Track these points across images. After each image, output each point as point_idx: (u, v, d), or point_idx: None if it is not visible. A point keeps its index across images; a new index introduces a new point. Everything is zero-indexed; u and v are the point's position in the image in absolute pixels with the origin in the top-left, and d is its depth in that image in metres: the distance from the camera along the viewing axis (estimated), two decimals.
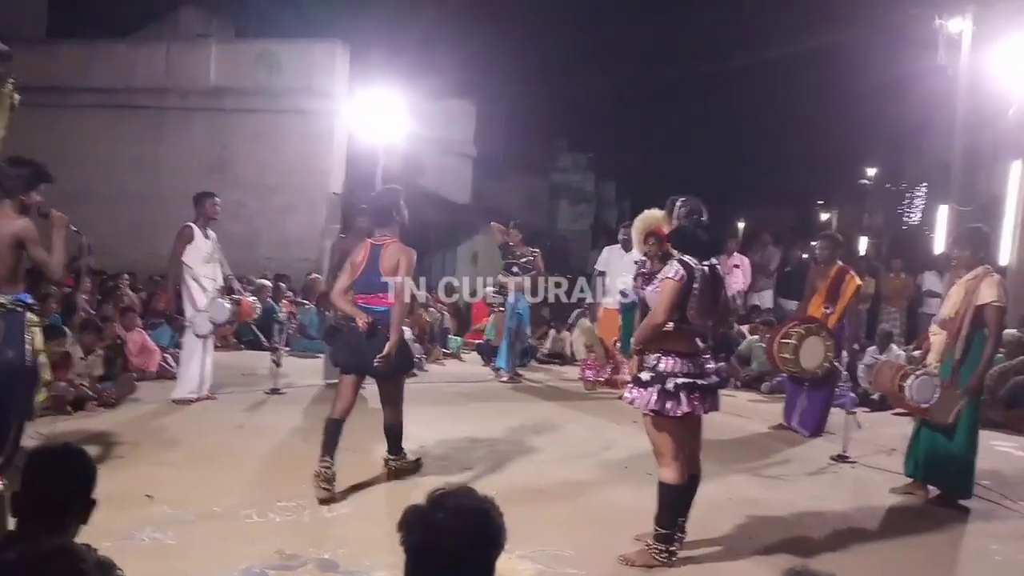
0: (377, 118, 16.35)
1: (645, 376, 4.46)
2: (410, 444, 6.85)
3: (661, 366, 4.41)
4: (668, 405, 4.35)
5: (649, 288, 4.66)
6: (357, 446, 6.74)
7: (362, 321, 5.53)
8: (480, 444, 7.04)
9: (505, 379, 10.19)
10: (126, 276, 13.23)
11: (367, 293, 5.71)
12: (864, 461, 7.00)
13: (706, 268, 4.45)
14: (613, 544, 4.74)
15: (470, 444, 7.01)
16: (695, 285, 4.37)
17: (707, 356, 4.57)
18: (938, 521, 5.61)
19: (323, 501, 5.29)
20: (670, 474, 4.47)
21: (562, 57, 32.21)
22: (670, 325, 4.40)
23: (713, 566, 4.59)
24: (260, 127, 17.24)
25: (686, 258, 4.42)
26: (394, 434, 5.94)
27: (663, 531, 4.46)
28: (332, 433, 5.56)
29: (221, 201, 8.36)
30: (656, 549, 4.47)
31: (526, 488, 5.83)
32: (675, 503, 4.50)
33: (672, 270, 4.39)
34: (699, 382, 4.41)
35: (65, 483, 2.51)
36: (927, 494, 6.04)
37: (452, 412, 8.38)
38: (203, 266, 8.03)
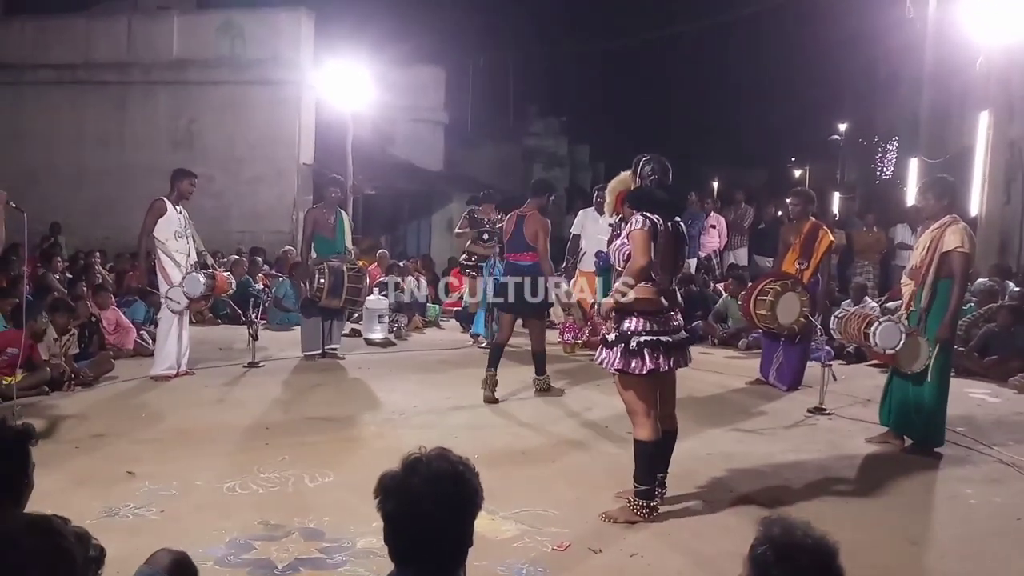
0: (345, 87, 16.18)
1: (611, 336, 4.55)
2: (392, 413, 6.90)
3: (625, 325, 4.48)
4: (633, 363, 4.43)
5: (615, 244, 4.70)
6: (337, 416, 6.77)
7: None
8: (461, 409, 7.07)
9: (484, 345, 10.21)
10: (97, 254, 13.10)
11: (515, 252, 7.51)
12: (840, 412, 7.09)
13: (669, 225, 4.53)
14: (596, 502, 4.79)
15: (451, 410, 7.04)
16: (658, 239, 4.45)
17: (674, 313, 4.60)
18: (913, 468, 5.70)
19: (487, 400, 7.20)
20: (643, 431, 4.54)
21: (531, 21, 31.99)
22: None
23: (693, 519, 4.65)
24: (226, 99, 17.04)
25: (647, 213, 4.49)
26: (540, 359, 7.62)
27: (642, 487, 4.53)
28: (495, 353, 7.45)
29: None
30: (637, 505, 4.53)
31: (508, 450, 5.87)
32: (650, 459, 4.56)
33: (637, 222, 4.47)
34: (663, 339, 4.47)
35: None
36: (902, 443, 6.13)
37: (432, 379, 8.40)
38: (175, 241, 7.96)
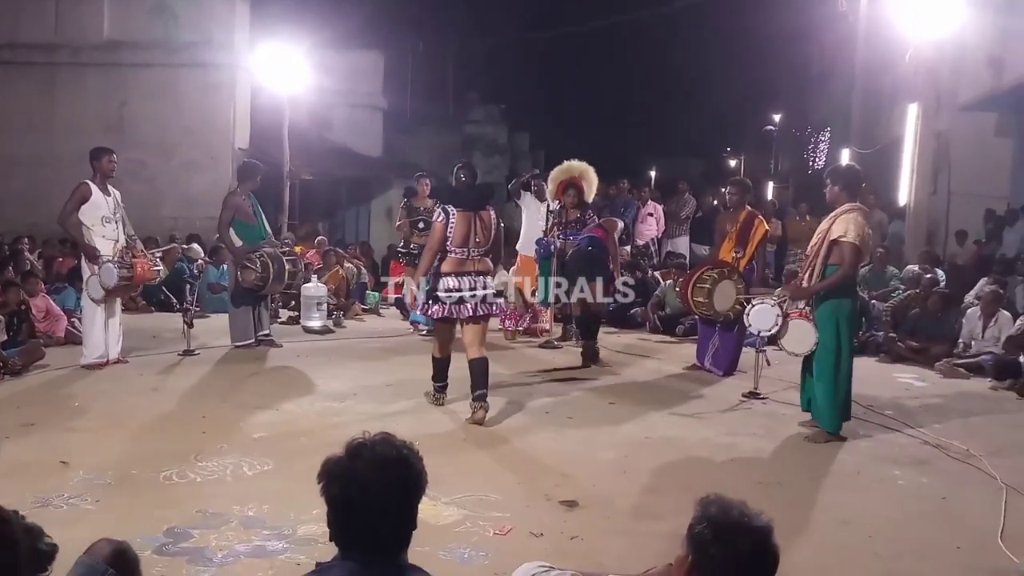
0: (281, 71, 15.94)
1: (430, 289, 6.35)
2: (331, 400, 6.86)
3: (439, 283, 6.25)
4: (432, 309, 6.33)
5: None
6: (272, 404, 6.70)
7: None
8: (401, 397, 7.04)
9: (424, 332, 10.18)
10: (25, 240, 12.74)
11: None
12: (774, 397, 7.24)
13: (460, 211, 6.19)
14: (537, 486, 4.85)
15: (391, 397, 7.02)
16: (451, 222, 6.17)
17: (471, 277, 6.24)
18: (843, 451, 5.86)
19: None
20: (435, 351, 6.64)
21: (472, 7, 31.77)
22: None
23: (633, 502, 4.73)
24: (159, 82, 16.62)
25: (448, 206, 6.25)
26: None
27: (437, 384, 6.69)
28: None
29: (120, 159, 8.09)
30: (434, 396, 6.69)
31: (449, 437, 5.88)
32: (439, 366, 6.66)
33: (435, 215, 6.37)
34: (455, 295, 6.20)
35: None
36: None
37: (372, 367, 8.36)
38: (102, 226, 7.73)
